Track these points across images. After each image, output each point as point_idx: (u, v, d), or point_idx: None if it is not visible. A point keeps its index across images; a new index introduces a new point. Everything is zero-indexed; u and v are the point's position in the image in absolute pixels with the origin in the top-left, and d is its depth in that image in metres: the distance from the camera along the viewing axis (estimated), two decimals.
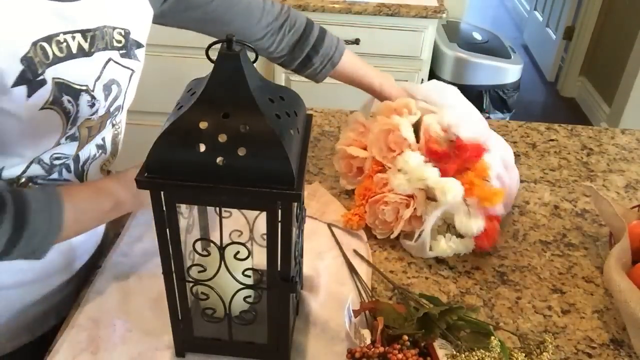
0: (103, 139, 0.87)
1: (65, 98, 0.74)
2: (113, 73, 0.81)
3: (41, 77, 0.70)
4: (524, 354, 0.71)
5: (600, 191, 1.01)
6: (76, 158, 0.83)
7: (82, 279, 0.93)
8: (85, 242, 0.92)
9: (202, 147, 0.58)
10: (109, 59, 0.80)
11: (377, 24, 2.10)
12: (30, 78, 0.69)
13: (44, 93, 0.71)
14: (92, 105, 0.78)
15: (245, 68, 0.59)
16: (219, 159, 0.59)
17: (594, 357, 0.81)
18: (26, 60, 0.68)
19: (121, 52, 0.81)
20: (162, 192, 0.62)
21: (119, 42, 0.81)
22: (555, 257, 0.99)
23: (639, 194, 1.17)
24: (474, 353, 0.69)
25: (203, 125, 0.58)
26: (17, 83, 0.68)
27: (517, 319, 0.86)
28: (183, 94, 0.66)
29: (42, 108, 0.72)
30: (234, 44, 0.59)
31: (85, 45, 0.75)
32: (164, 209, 0.63)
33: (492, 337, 0.71)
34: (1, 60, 0.66)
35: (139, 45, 0.85)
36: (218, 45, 0.60)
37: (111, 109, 0.83)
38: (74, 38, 0.73)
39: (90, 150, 0.85)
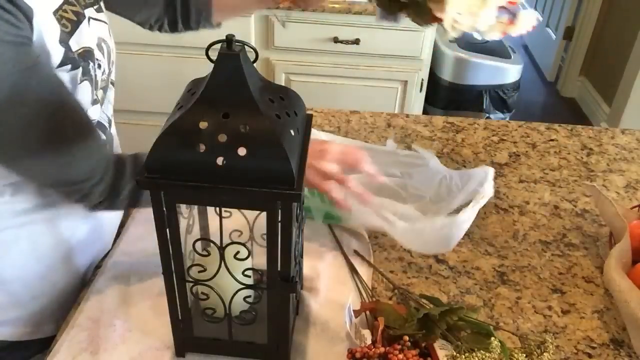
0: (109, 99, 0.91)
1: (91, 65, 0.77)
2: (98, 31, 0.83)
3: (71, 54, 0.73)
4: (524, 355, 0.71)
5: (601, 191, 1.01)
6: (102, 121, 0.87)
7: (83, 279, 0.93)
8: (86, 241, 0.92)
9: (202, 147, 0.58)
10: (89, 17, 0.81)
11: (377, 24, 2.10)
12: (69, 57, 0.72)
13: (78, 68, 0.74)
14: (100, 66, 0.81)
15: (245, 68, 0.59)
16: (219, 159, 0.59)
17: (594, 357, 0.81)
18: (63, 41, 0.71)
19: (95, 7, 0.83)
20: (162, 192, 0.62)
21: None
22: (555, 257, 0.99)
23: (639, 194, 1.17)
24: (474, 354, 0.68)
25: (203, 125, 0.58)
26: (62, 63, 0.72)
27: (517, 319, 0.86)
28: (183, 94, 0.66)
29: (80, 82, 0.75)
30: (234, 44, 0.59)
31: (79, 9, 0.77)
32: (164, 209, 0.63)
33: (493, 338, 0.70)
34: (51, 46, 0.70)
35: None
36: (218, 45, 0.60)
37: (111, 67, 0.87)
38: (65, 11, 0.75)
39: (105, 112, 0.89)
